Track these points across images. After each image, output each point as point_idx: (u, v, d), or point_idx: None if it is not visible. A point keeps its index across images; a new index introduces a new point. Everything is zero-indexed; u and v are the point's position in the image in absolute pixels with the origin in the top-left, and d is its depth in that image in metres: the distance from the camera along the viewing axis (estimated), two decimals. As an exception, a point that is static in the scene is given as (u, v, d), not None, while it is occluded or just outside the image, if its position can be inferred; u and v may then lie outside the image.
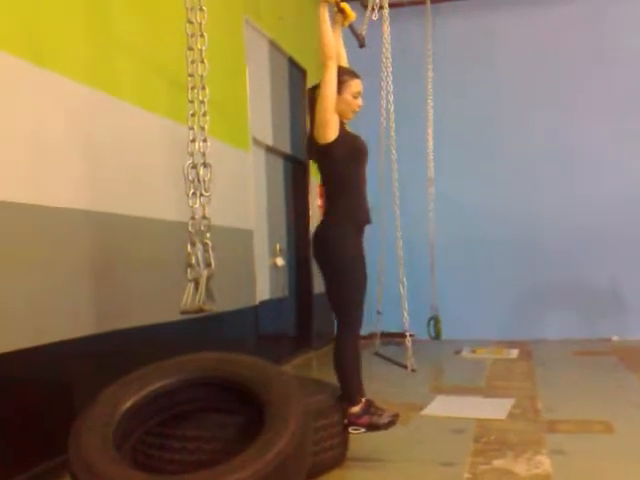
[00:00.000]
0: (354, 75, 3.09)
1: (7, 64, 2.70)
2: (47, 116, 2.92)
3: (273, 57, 5.75)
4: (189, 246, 2.32)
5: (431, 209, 6.55)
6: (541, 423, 3.52)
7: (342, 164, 2.99)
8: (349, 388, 2.94)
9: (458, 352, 6.26)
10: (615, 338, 6.74)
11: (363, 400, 2.93)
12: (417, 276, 6.70)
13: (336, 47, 3.12)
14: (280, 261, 5.70)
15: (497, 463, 2.86)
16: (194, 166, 2.55)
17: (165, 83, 3.85)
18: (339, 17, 3.22)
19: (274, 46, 5.76)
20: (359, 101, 3.08)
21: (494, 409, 3.81)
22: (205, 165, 2.56)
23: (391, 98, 4.61)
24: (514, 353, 6.10)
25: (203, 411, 2.57)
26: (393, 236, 4.50)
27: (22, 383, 2.72)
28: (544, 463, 2.83)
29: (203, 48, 2.67)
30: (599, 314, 6.90)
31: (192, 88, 2.66)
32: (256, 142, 5.27)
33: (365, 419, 2.89)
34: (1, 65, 2.67)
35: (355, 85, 3.06)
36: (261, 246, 5.37)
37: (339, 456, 2.86)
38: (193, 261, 2.33)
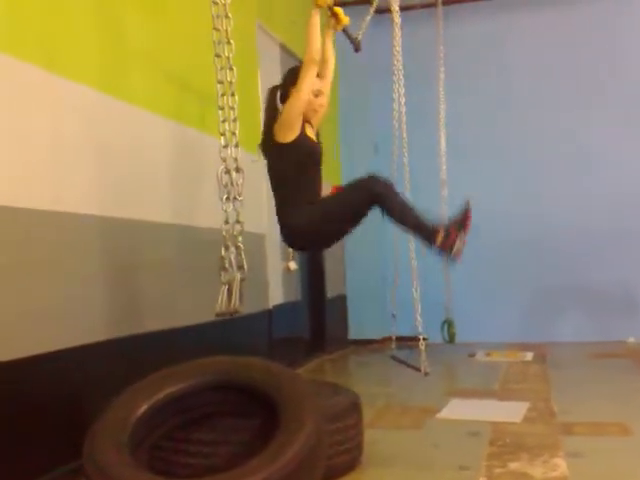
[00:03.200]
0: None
1: (22, 71, 2.73)
2: (63, 123, 2.94)
3: (284, 61, 5.77)
4: (223, 250, 2.36)
5: (444, 211, 6.54)
6: (557, 426, 3.49)
7: (298, 161, 3.06)
8: (422, 230, 2.99)
9: (472, 355, 6.23)
10: (631, 340, 6.68)
11: (440, 228, 2.97)
12: (431, 279, 6.69)
13: (325, 52, 3.19)
14: (293, 265, 5.70)
15: (513, 466, 2.84)
16: (227, 171, 2.61)
17: (175, 88, 3.88)
18: (332, 21, 3.24)
19: (285, 50, 5.79)
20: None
21: (509, 412, 3.79)
22: (237, 170, 2.62)
23: (403, 101, 4.62)
24: (529, 356, 6.06)
25: (217, 415, 2.58)
26: (406, 239, 4.49)
27: (40, 387, 2.74)
28: (560, 466, 2.81)
29: (230, 55, 2.72)
30: (614, 316, 6.85)
31: (222, 95, 2.71)
32: (268, 146, 5.28)
33: (453, 235, 2.93)
34: (17, 73, 2.70)
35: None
36: (274, 250, 5.38)
37: (354, 459, 2.85)
38: (226, 265, 2.35)
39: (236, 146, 2.71)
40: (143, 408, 2.40)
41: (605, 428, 3.42)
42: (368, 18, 3.91)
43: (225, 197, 2.59)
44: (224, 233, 2.40)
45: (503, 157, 7.17)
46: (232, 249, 2.31)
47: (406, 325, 7.26)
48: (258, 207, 4.96)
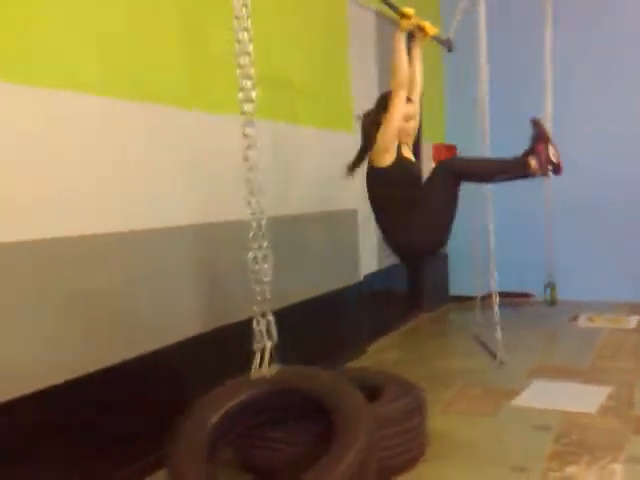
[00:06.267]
0: (407, 100, 3.18)
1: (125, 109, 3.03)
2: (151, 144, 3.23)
3: (381, 28, 5.75)
4: (255, 323, 2.56)
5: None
6: (631, 420, 3.51)
7: (396, 187, 3.17)
8: (511, 169, 3.11)
9: (574, 319, 6.18)
10: None
11: (525, 157, 3.05)
12: (536, 237, 6.63)
13: (412, 73, 3.24)
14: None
15: (569, 470, 2.94)
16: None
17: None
18: (419, 35, 3.28)
19: (381, 17, 5.75)
20: (412, 124, 3.22)
21: (586, 400, 3.83)
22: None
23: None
24: (633, 322, 5.93)
25: (287, 418, 2.87)
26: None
27: (150, 383, 3.15)
28: (616, 474, 2.89)
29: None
30: None
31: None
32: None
33: (542, 152, 3.00)
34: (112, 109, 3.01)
35: (408, 108, 3.17)
36: (368, 221, 5.52)
37: (414, 458, 3.05)
38: (258, 336, 2.58)
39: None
40: (220, 412, 2.72)
41: (683, 427, 3.40)
42: (458, 18, 3.89)
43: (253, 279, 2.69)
44: (255, 308, 2.57)
45: (610, 116, 6.80)
46: (263, 321, 2.52)
47: (512, 281, 7.31)
48: (348, 185, 5.10)
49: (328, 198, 4.91)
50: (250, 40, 2.50)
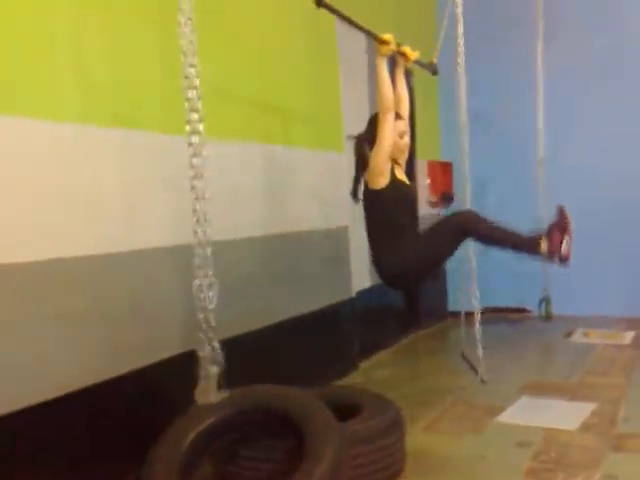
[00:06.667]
0: (397, 116, 3.23)
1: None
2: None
3: (371, 49, 5.81)
4: (200, 350, 2.61)
5: (542, 188, 6.44)
6: (610, 438, 3.53)
7: (391, 209, 3.18)
8: (522, 245, 3.14)
9: (569, 334, 6.19)
10: None
11: (541, 236, 3.10)
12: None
13: (398, 93, 3.30)
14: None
15: (543, 488, 2.98)
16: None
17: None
18: (401, 60, 3.35)
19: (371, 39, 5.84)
20: (405, 140, 3.26)
21: (569, 417, 3.85)
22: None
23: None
24: (628, 338, 5.93)
25: (260, 435, 2.93)
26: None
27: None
28: (590, 491, 2.92)
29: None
30: None
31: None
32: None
33: (554, 235, 3.07)
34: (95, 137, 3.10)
35: (399, 125, 3.21)
36: (359, 239, 5.58)
37: (392, 475, 3.08)
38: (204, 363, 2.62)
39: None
40: (195, 432, 2.76)
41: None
42: (440, 42, 3.96)
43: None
44: (200, 334, 2.60)
45: (606, 120, 6.81)
46: (208, 349, 2.57)
47: (506, 296, 7.32)
48: (340, 201, 5.17)
49: (319, 216, 4.99)
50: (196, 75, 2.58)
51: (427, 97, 7.09)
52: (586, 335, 6.16)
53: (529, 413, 4.01)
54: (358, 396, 3.42)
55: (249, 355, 3.83)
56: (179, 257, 3.33)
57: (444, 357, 5.89)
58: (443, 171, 7.20)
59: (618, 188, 6.70)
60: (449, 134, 7.40)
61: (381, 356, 5.76)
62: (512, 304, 7.36)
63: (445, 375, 5.09)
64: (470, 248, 4.30)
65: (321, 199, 4.98)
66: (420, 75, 5.56)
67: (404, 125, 3.37)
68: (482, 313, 7.30)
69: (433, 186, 7.09)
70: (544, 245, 3.07)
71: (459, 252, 6.43)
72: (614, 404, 4.07)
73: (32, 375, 2.76)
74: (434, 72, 3.84)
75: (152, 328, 3.34)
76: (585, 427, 3.71)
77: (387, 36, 3.26)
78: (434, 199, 7.11)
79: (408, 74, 6.34)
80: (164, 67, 3.39)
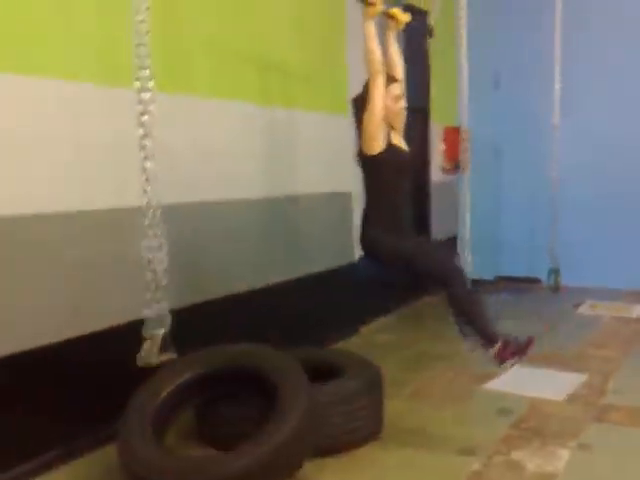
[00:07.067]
0: (392, 79, 3.16)
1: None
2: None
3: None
4: (146, 310, 2.61)
5: (555, 159, 6.34)
6: (596, 408, 3.51)
7: (386, 175, 3.15)
8: (482, 333, 3.19)
9: (577, 306, 6.13)
10: None
11: (500, 339, 3.15)
12: (541, 222, 6.59)
13: (390, 57, 3.23)
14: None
15: (515, 455, 2.98)
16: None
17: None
18: (392, 23, 3.27)
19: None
20: (400, 104, 3.19)
21: (557, 387, 3.84)
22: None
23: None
24: (635, 312, 5.85)
25: (232, 395, 2.98)
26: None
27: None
28: (561, 459, 2.91)
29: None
30: None
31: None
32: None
33: (510, 350, 3.13)
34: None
35: (394, 89, 3.15)
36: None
37: (364, 438, 3.10)
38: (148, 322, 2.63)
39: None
40: (166, 391, 2.83)
41: (644, 417, 3.38)
42: (438, 5, 3.87)
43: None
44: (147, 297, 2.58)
45: (622, 86, 6.62)
46: (155, 307, 2.57)
47: (520, 266, 7.26)
48: (343, 167, 5.15)
49: (323, 180, 4.98)
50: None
51: (445, 62, 6.96)
52: (593, 307, 6.09)
53: (518, 382, 3.99)
54: (340, 358, 3.45)
55: (250, 313, 3.97)
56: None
57: (446, 324, 5.85)
58: (459, 137, 7.08)
59: (630, 159, 6.57)
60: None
61: (385, 321, 5.77)
62: (524, 274, 7.30)
63: (443, 342, 5.06)
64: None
65: (325, 163, 4.96)
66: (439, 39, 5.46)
67: (399, 89, 3.28)
68: (494, 282, 7.35)
69: (448, 152, 7.00)
70: (495, 349, 3.11)
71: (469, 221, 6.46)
72: (605, 375, 4.05)
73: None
74: (431, 35, 3.77)
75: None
76: (572, 398, 3.69)
77: None
78: (448, 166, 7.02)
79: (423, 38, 6.34)
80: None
